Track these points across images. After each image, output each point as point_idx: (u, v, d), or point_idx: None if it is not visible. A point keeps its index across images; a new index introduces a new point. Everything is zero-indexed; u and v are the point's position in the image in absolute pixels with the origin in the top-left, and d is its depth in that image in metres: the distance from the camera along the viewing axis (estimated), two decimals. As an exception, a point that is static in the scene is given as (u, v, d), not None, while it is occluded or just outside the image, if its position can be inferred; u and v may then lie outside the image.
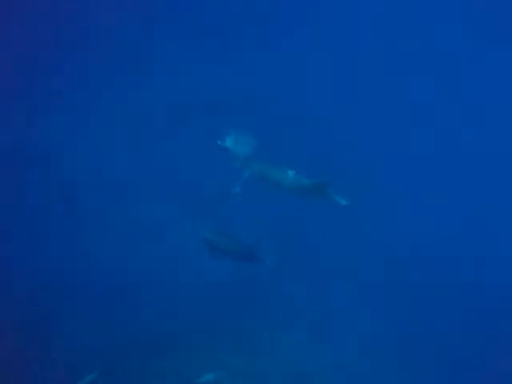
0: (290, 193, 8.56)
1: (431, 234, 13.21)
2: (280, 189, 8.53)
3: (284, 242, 11.48)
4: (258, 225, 11.65)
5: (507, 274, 12.90)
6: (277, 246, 10.86)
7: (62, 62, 14.15)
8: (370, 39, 16.26)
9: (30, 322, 9.76)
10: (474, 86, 16.35)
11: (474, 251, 13.16)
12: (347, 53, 15.84)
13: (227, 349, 10.15)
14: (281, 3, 16.27)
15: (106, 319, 10.09)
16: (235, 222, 11.13)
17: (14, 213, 11.62)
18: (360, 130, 14.09)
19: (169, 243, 11.67)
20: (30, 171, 12.37)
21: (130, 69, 14.33)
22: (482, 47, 16.78)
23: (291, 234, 12.03)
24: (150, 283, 10.94)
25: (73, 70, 14.05)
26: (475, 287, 12.57)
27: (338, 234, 11.99)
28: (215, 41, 15.13)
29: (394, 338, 11.07)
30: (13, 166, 12.29)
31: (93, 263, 10.90)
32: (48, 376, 8.89)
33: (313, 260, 11.94)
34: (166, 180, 12.57)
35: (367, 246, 12.35)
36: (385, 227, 12.95)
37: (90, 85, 13.81)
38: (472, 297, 12.24)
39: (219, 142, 9.00)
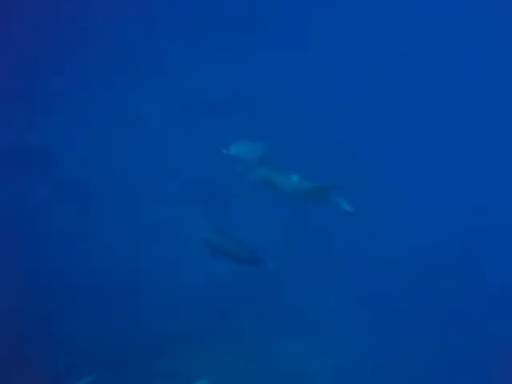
0: (293, 197, 8.50)
1: (435, 236, 13.21)
2: (283, 193, 8.47)
3: (286, 244, 11.48)
4: (260, 226, 11.63)
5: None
6: (279, 249, 10.88)
7: (62, 61, 14.14)
8: (370, 38, 16.27)
9: (31, 322, 9.75)
10: (476, 86, 16.36)
11: (480, 252, 13.15)
12: (348, 52, 15.85)
13: (227, 350, 10.13)
14: (281, 3, 16.28)
15: (106, 320, 10.07)
16: (237, 223, 11.11)
17: (14, 213, 11.61)
18: (362, 130, 14.08)
19: (169, 244, 11.66)
20: (30, 171, 12.36)
21: (130, 69, 14.33)
22: (483, 46, 16.79)
23: (293, 236, 12.02)
24: (151, 284, 10.93)
25: (73, 70, 14.04)
26: (482, 289, 12.54)
27: (339, 236, 11.98)
28: (215, 41, 15.13)
29: (397, 341, 11.04)
30: (13, 166, 12.28)
31: (92, 263, 10.89)
32: (48, 376, 8.87)
33: (314, 261, 11.92)
34: (166, 180, 12.57)
35: (370, 248, 12.34)
36: (388, 229, 12.95)
37: (90, 85, 13.80)
38: (479, 299, 12.18)
39: (224, 151, 8.91)
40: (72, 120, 13.32)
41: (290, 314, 11.10)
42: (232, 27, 15.31)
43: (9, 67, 13.45)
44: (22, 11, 14.25)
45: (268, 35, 15.61)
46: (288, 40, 15.64)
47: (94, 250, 11.15)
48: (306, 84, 14.75)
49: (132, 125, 13.44)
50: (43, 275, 10.45)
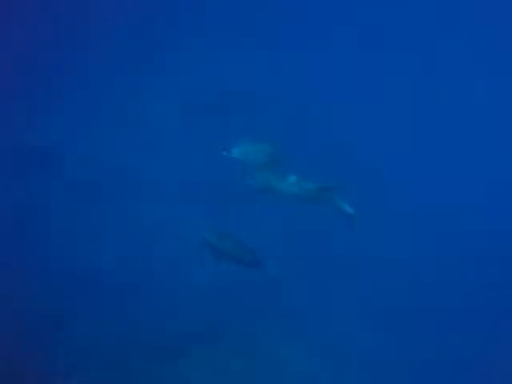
0: (293, 200, 8.43)
1: (436, 236, 13.20)
2: (283, 196, 8.40)
3: (287, 246, 11.45)
4: (261, 228, 11.61)
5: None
6: (280, 252, 10.84)
7: (62, 62, 14.15)
8: (371, 38, 16.26)
9: (31, 322, 9.75)
10: (479, 85, 16.36)
11: (480, 252, 13.14)
12: (348, 52, 15.85)
13: (228, 350, 10.12)
14: (281, 3, 16.28)
15: (106, 320, 10.07)
16: (238, 225, 11.08)
17: (14, 212, 11.61)
18: (362, 130, 14.07)
19: (169, 244, 11.65)
20: (30, 171, 12.36)
21: (130, 69, 14.33)
22: (485, 45, 16.79)
23: (294, 237, 12.00)
24: (152, 284, 10.92)
25: (72, 70, 14.05)
26: (482, 289, 12.52)
27: (339, 237, 11.95)
28: (215, 41, 15.13)
29: (397, 344, 11.03)
30: (12, 166, 12.29)
31: (92, 263, 10.89)
32: (48, 377, 8.87)
33: (316, 263, 11.90)
34: (167, 180, 12.56)
35: (372, 250, 12.32)
36: (389, 229, 12.93)
37: (90, 85, 13.81)
38: (479, 300, 12.16)
39: (224, 153, 8.79)
40: (72, 120, 13.33)
41: (291, 315, 11.09)
42: (232, 27, 15.30)
43: (9, 67, 13.45)
44: (21, 11, 14.25)
45: (268, 35, 15.61)
46: (288, 40, 15.64)
47: (96, 251, 11.15)
48: (306, 84, 14.74)
49: (132, 125, 13.45)
50: (43, 275, 10.45)
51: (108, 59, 14.32)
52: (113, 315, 10.13)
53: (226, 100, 13.88)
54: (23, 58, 13.78)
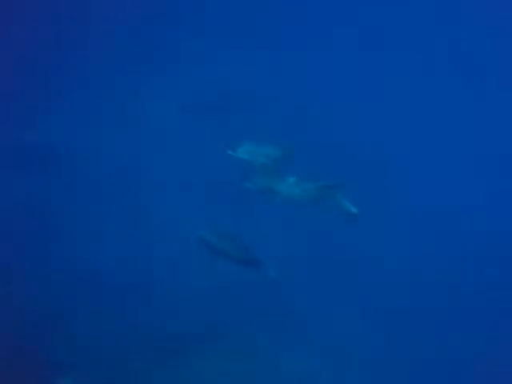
0: (294, 201, 8.37)
1: (437, 236, 13.18)
2: (283, 198, 8.34)
3: (287, 247, 11.42)
4: (262, 230, 11.59)
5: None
6: (280, 253, 10.80)
7: (62, 61, 14.15)
8: (371, 37, 16.26)
9: (31, 322, 9.74)
10: (479, 85, 16.34)
11: (483, 253, 13.11)
12: (348, 51, 15.85)
13: (228, 351, 10.11)
14: (281, 3, 16.28)
15: (107, 320, 10.07)
16: (238, 224, 11.07)
17: (14, 212, 11.61)
18: (363, 129, 14.07)
19: (169, 244, 11.64)
20: (30, 171, 12.36)
21: (130, 69, 14.33)
22: (486, 43, 16.77)
23: (295, 238, 11.99)
24: (151, 284, 10.91)
25: (75, 70, 14.05)
26: (484, 290, 12.51)
27: (340, 236, 11.95)
28: (215, 41, 15.13)
29: (398, 344, 11.01)
30: (13, 166, 12.29)
31: (92, 263, 10.88)
32: (48, 376, 8.87)
33: (316, 263, 11.89)
34: (167, 180, 12.56)
35: (372, 250, 12.31)
36: (391, 230, 12.91)
37: (90, 85, 13.81)
38: (480, 300, 12.14)
39: (230, 152, 8.70)
40: (73, 119, 13.33)
41: (291, 315, 11.07)
42: (232, 27, 15.31)
43: (9, 67, 13.46)
44: (22, 11, 14.25)
45: (268, 35, 15.61)
46: (288, 40, 15.63)
47: (95, 250, 11.14)
48: (306, 84, 14.74)
49: (132, 125, 13.44)
50: (43, 275, 10.45)
51: (108, 59, 14.32)
52: (113, 315, 10.12)
53: (226, 100, 13.88)
54: (23, 57, 13.78)
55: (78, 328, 9.79)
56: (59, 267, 10.60)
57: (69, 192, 12.17)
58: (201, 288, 11.01)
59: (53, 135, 12.89)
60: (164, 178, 12.56)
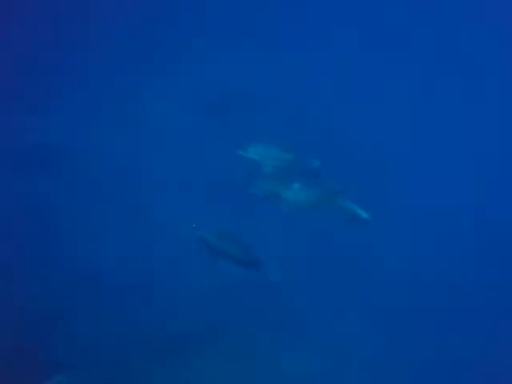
0: (299, 207, 8.28)
1: (438, 237, 13.16)
2: (288, 204, 8.26)
3: (288, 248, 11.40)
4: (264, 232, 11.57)
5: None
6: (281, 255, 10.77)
7: (62, 61, 14.15)
8: (371, 37, 16.26)
9: (31, 322, 9.74)
10: (479, 85, 16.34)
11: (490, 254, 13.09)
12: (348, 51, 15.84)
13: (228, 351, 10.11)
14: (281, 3, 16.28)
15: (106, 320, 10.06)
16: (239, 224, 11.06)
17: (14, 212, 11.61)
18: (364, 129, 14.06)
19: (169, 244, 11.63)
20: (30, 171, 12.36)
21: (130, 69, 14.34)
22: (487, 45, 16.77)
23: (295, 239, 11.98)
24: (151, 284, 10.91)
25: (73, 70, 14.05)
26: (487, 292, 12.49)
27: (340, 236, 11.95)
28: (215, 41, 15.14)
29: (398, 344, 10.99)
30: (13, 166, 12.28)
31: (92, 263, 10.87)
32: (48, 376, 8.87)
33: (316, 263, 11.88)
34: (167, 180, 12.56)
35: (371, 250, 12.29)
36: (394, 230, 12.90)
37: (90, 84, 13.82)
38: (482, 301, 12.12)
39: (240, 152, 8.59)
40: (73, 119, 13.34)
41: (292, 315, 11.07)
42: (232, 27, 15.31)
43: (9, 67, 13.46)
44: (22, 11, 14.26)
45: (268, 35, 15.61)
46: (288, 40, 15.64)
47: (95, 250, 11.14)
48: (306, 84, 14.75)
49: (132, 125, 13.45)
50: (43, 275, 10.44)
51: (108, 59, 14.32)
52: (113, 315, 10.12)
53: (226, 100, 13.89)
54: (23, 57, 13.78)
55: (78, 328, 9.79)
56: (59, 267, 10.59)
57: (69, 192, 12.17)
58: (201, 288, 11.00)
59: (53, 135, 12.90)
60: (164, 177, 12.56)
